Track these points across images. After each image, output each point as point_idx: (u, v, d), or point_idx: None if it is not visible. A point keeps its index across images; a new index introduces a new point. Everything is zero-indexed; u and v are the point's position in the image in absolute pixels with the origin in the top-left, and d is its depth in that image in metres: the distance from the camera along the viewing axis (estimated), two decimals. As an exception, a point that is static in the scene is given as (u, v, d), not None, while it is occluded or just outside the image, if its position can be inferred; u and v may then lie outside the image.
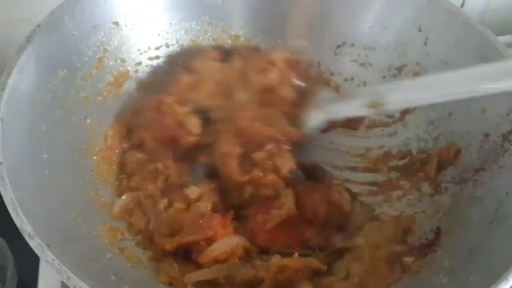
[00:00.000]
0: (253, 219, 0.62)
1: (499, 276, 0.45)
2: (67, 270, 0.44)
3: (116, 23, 0.71)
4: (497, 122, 0.60)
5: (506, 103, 0.59)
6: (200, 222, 0.61)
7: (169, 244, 0.60)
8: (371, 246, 0.58)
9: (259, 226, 0.61)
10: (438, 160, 0.66)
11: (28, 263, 0.65)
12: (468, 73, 0.55)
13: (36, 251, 0.45)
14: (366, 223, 0.62)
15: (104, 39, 0.70)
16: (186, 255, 0.60)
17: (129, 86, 0.74)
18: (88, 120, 0.68)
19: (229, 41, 0.80)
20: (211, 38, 0.79)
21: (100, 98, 0.70)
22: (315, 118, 0.67)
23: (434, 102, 0.63)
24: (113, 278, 0.53)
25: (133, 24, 0.73)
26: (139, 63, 0.75)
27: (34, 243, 0.45)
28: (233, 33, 0.79)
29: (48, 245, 0.46)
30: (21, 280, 0.70)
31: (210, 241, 0.60)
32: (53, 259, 0.45)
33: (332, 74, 0.79)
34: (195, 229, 0.60)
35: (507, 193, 0.54)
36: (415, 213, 0.65)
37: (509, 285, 0.45)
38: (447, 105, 0.67)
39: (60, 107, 0.64)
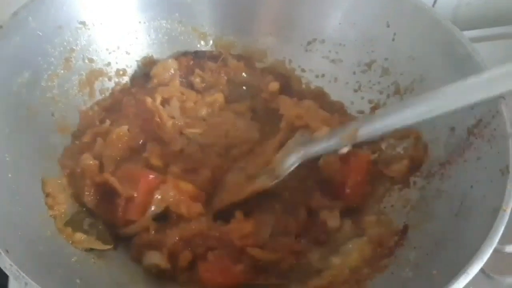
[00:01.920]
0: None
1: (459, 269, 0.45)
2: (25, 276, 0.43)
3: (83, 23, 0.71)
4: (462, 117, 0.60)
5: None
6: (130, 171, 0.63)
7: (98, 177, 0.62)
8: (347, 268, 0.58)
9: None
10: (410, 159, 0.65)
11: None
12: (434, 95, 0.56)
13: (-6, 257, 0.45)
14: (350, 240, 0.61)
15: (70, 39, 0.70)
16: None
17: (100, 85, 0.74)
18: (56, 116, 0.67)
19: (200, 40, 0.79)
20: (181, 37, 0.79)
21: (67, 98, 0.70)
22: (288, 162, 0.65)
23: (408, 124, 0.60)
24: (78, 281, 0.53)
25: (101, 24, 0.73)
26: (108, 64, 0.74)
27: (-8, 249, 0.45)
28: (203, 31, 0.79)
29: (6, 251, 0.45)
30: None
31: (129, 200, 0.61)
32: (10, 265, 0.44)
33: (303, 71, 0.79)
34: (123, 177, 0.62)
35: (471, 187, 0.55)
36: (384, 207, 0.65)
37: (469, 279, 0.45)
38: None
39: (24, 108, 0.63)
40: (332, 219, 0.63)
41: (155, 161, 0.67)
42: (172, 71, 0.75)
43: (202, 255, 0.60)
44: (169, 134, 0.69)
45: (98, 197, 0.64)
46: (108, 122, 0.70)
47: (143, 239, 0.61)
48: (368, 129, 0.60)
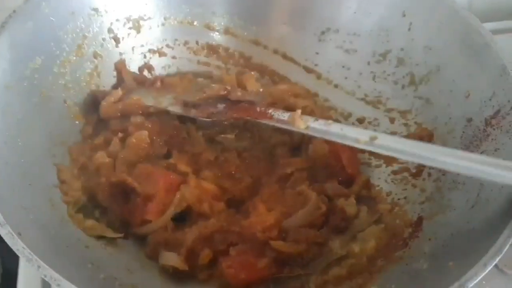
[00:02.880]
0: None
1: (476, 261, 0.45)
2: (38, 259, 0.43)
3: (96, 9, 0.70)
4: (480, 107, 0.59)
5: (489, 88, 0.59)
6: (149, 171, 0.62)
7: (115, 177, 0.61)
8: (365, 256, 0.58)
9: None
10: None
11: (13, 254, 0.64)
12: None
13: (6, 240, 0.44)
14: (368, 228, 0.61)
15: (83, 25, 0.69)
16: None
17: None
18: (68, 103, 0.67)
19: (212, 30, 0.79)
20: (195, 23, 0.78)
21: (80, 85, 0.69)
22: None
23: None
24: (89, 266, 0.53)
25: (114, 11, 0.72)
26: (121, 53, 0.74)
27: (4, 231, 0.45)
28: (215, 21, 0.78)
29: (19, 234, 0.45)
30: (5, 271, 0.69)
31: (148, 200, 0.60)
32: (23, 247, 0.44)
33: (316, 65, 0.78)
34: (141, 177, 0.61)
35: (488, 178, 0.54)
36: (398, 199, 0.64)
37: (487, 270, 0.44)
38: (430, 91, 0.66)
39: (37, 94, 0.63)
40: (349, 206, 0.62)
41: (183, 168, 0.65)
42: None
43: (223, 251, 0.58)
44: (200, 145, 0.68)
45: (112, 196, 0.63)
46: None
47: (159, 237, 0.60)
48: (386, 143, 0.56)
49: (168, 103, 0.70)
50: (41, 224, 0.52)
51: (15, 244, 0.44)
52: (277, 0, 0.78)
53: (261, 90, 0.76)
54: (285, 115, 0.64)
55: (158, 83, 0.72)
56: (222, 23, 0.79)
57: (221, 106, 0.69)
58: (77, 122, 0.68)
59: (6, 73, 0.58)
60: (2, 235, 0.45)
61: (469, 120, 0.60)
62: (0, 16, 0.61)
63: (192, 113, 0.69)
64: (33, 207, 0.53)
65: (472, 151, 0.58)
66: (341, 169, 0.67)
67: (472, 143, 0.59)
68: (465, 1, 1.05)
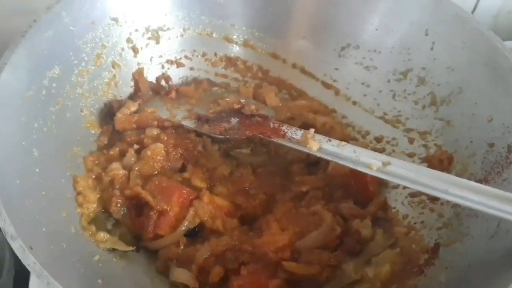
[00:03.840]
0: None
1: (495, 295, 0.43)
2: (48, 275, 0.43)
3: (115, 19, 0.70)
4: (503, 133, 0.57)
5: (514, 113, 0.57)
6: (164, 185, 0.61)
7: (129, 190, 0.61)
8: (379, 281, 0.57)
9: None
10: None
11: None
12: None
13: (17, 253, 0.44)
14: (384, 251, 0.60)
15: (102, 35, 0.69)
16: None
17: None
18: (84, 112, 0.67)
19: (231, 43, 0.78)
20: (214, 35, 0.78)
21: (97, 95, 0.69)
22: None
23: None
24: (100, 281, 0.52)
25: (133, 21, 0.72)
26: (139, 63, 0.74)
27: (16, 245, 0.45)
28: (235, 34, 0.78)
29: (30, 248, 0.45)
30: (17, 273, 0.69)
31: (162, 214, 0.60)
32: (34, 263, 0.44)
33: (335, 81, 0.77)
34: (156, 190, 0.61)
35: (510, 208, 0.52)
36: (415, 223, 0.63)
37: (506, 306, 0.43)
38: (451, 113, 0.65)
39: (54, 103, 0.63)
40: (364, 228, 0.61)
41: (198, 183, 0.64)
42: None
43: (235, 270, 0.58)
44: (215, 160, 0.68)
45: (125, 208, 0.62)
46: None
47: (171, 253, 0.60)
48: (398, 171, 0.55)
49: (182, 116, 0.70)
50: (53, 237, 0.52)
51: (26, 259, 0.44)
52: (297, 14, 0.77)
53: (280, 104, 0.75)
54: (298, 133, 0.63)
55: (173, 93, 0.72)
56: (241, 36, 0.78)
57: (234, 121, 0.68)
58: (93, 131, 0.68)
59: (24, 82, 0.58)
60: (14, 249, 0.44)
61: (491, 145, 0.58)
62: (20, 21, 0.62)
63: (205, 129, 0.68)
64: (46, 219, 0.52)
65: (493, 178, 0.56)
66: (361, 187, 0.66)
67: (493, 169, 0.57)
68: (490, 17, 1.03)
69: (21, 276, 0.68)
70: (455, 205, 0.60)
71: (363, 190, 0.66)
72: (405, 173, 0.54)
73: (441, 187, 0.51)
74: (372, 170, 0.56)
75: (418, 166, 0.60)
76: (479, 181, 0.58)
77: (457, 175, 0.60)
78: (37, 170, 0.56)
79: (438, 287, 0.52)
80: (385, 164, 0.55)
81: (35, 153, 0.57)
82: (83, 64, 0.67)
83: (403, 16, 0.70)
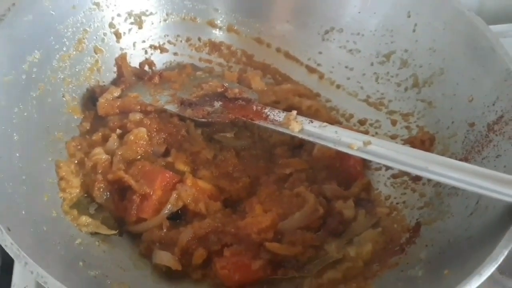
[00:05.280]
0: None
1: (472, 270, 0.43)
2: (25, 255, 0.43)
3: (97, 4, 0.70)
4: (483, 112, 0.58)
5: (493, 93, 0.57)
6: (147, 169, 0.61)
7: (112, 175, 0.61)
8: (361, 260, 0.57)
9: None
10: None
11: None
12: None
13: (-5, 234, 0.44)
14: (366, 231, 0.61)
15: (84, 20, 0.69)
16: None
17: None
18: (66, 97, 0.67)
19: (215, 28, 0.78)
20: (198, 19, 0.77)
21: (80, 80, 0.69)
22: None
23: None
24: (81, 264, 0.52)
25: (115, 5, 0.72)
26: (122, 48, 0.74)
27: (-7, 226, 0.44)
28: (218, 18, 0.78)
29: (8, 229, 0.45)
30: (4, 264, 0.69)
31: (145, 198, 0.60)
32: (11, 243, 0.43)
33: (319, 65, 0.77)
34: (139, 175, 0.61)
35: (489, 185, 0.52)
36: (397, 203, 0.63)
37: (482, 280, 0.43)
38: (433, 94, 0.65)
39: (35, 88, 0.62)
40: (347, 209, 0.62)
41: (181, 166, 0.64)
42: None
43: (218, 251, 0.58)
44: (198, 144, 0.67)
45: (108, 193, 0.62)
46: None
47: (154, 236, 0.60)
48: (379, 150, 0.55)
49: (165, 101, 0.70)
50: (33, 220, 0.52)
51: (3, 240, 0.44)
52: (280, -3, 0.77)
53: (265, 88, 0.75)
54: (280, 116, 0.63)
55: (157, 79, 0.72)
56: (225, 20, 0.78)
57: (217, 104, 0.68)
58: (75, 117, 0.68)
59: (3, 67, 0.58)
60: (-9, 230, 0.44)
61: (472, 125, 0.59)
62: (1, 4, 0.61)
63: (188, 113, 0.68)
64: (26, 203, 0.52)
65: (473, 157, 0.57)
66: (346, 168, 0.66)
67: (473, 148, 0.58)
68: (476, 1, 1.03)
69: (9, 268, 0.68)
70: (437, 185, 0.60)
71: (348, 172, 0.67)
72: (385, 152, 0.55)
73: (421, 165, 0.52)
74: (353, 149, 0.56)
75: (398, 145, 0.60)
76: (460, 160, 0.58)
77: (438, 155, 0.60)
78: (17, 155, 0.56)
79: (418, 265, 0.52)
80: (365, 143, 0.56)
81: (15, 137, 0.57)
82: (64, 49, 0.66)
83: (385, -1, 0.70)
